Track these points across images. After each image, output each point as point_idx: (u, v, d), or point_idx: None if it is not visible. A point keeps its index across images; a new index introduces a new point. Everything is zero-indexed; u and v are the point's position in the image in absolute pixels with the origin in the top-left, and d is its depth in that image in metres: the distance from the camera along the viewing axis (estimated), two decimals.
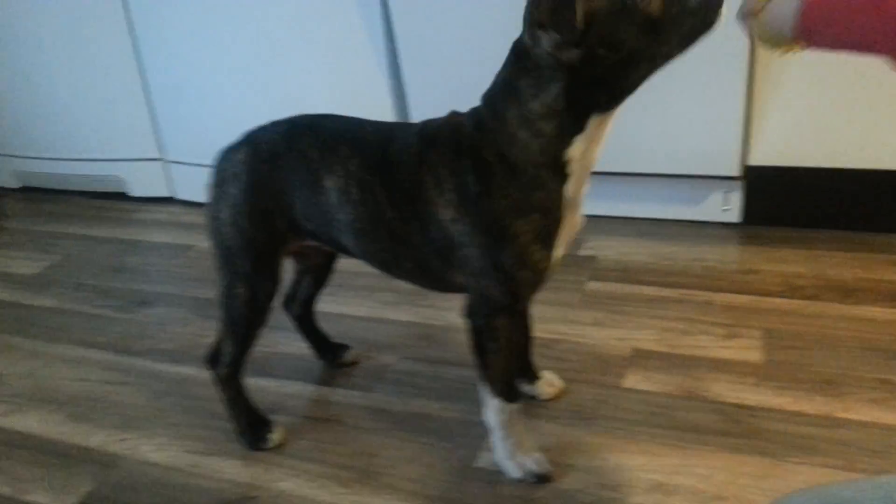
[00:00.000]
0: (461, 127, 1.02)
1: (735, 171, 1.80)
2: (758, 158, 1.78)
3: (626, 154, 1.85)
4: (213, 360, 1.24)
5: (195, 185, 2.40)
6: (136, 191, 2.55)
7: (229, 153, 1.16)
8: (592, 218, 1.98)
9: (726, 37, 1.59)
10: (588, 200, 1.07)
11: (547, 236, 1.00)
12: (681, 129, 1.78)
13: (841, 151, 1.71)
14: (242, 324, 1.18)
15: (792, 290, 1.59)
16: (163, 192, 2.51)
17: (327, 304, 1.67)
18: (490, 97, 0.99)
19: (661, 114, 1.77)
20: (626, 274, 1.73)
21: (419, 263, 1.08)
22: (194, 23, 2.14)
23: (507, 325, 1.06)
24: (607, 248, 1.86)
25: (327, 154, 1.09)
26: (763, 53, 1.67)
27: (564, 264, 1.77)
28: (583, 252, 1.85)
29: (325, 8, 1.98)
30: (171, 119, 2.36)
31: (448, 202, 1.00)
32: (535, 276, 1.02)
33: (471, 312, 1.07)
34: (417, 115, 1.99)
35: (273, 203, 1.13)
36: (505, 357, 1.08)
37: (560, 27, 0.85)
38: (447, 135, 1.03)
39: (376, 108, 2.05)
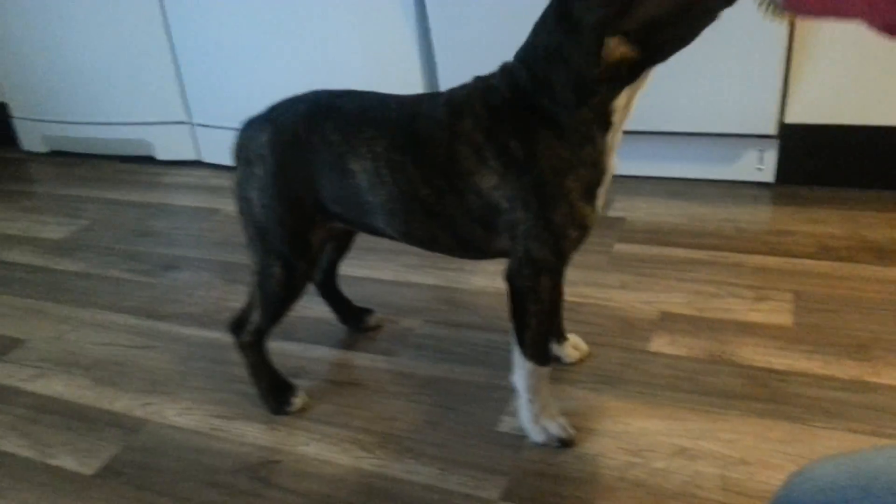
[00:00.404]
0: (493, 91, 0.99)
1: (771, 129, 1.74)
2: (795, 116, 1.72)
3: (660, 112, 1.79)
4: (237, 326, 1.24)
5: (222, 149, 2.40)
6: (163, 154, 2.56)
7: (252, 133, 1.13)
8: (622, 178, 1.95)
9: None
10: (618, 161, 1.04)
11: (592, 189, 0.99)
12: (717, 86, 1.73)
13: (880, 109, 1.65)
14: (276, 301, 1.18)
15: (824, 252, 1.55)
16: (190, 156, 2.52)
17: (351, 268, 1.67)
18: (529, 59, 0.96)
19: (698, 71, 1.72)
20: (656, 235, 1.70)
21: (459, 236, 1.06)
22: None
23: (550, 286, 1.04)
24: (637, 210, 1.82)
25: (351, 137, 1.06)
26: None
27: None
28: (612, 213, 1.81)
29: None
30: (197, 82, 2.35)
31: (490, 170, 0.98)
32: (582, 232, 1.01)
33: (514, 275, 1.04)
34: (446, 78, 1.96)
35: (299, 187, 1.11)
36: (545, 319, 1.07)
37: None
38: (479, 102, 1.00)
39: (405, 70, 2.01)
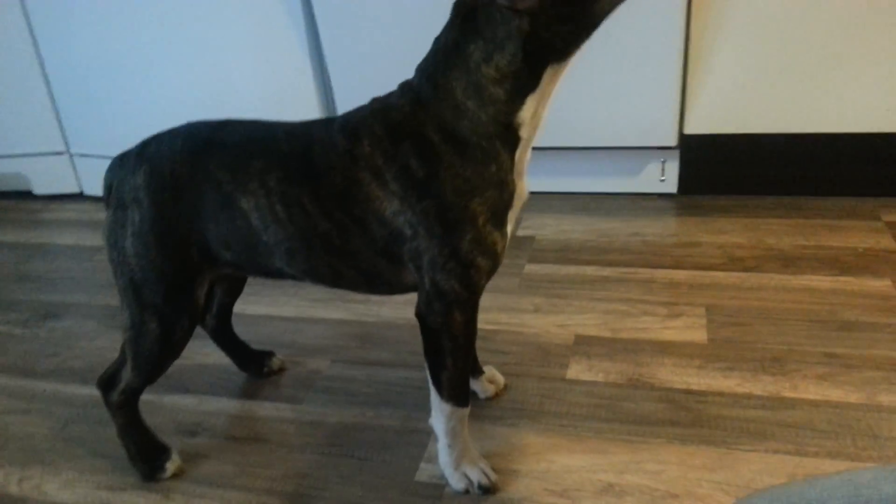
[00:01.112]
0: (391, 109, 0.92)
1: (672, 140, 1.74)
2: (694, 127, 1.72)
3: (563, 128, 1.76)
4: (107, 383, 1.12)
5: None
6: (41, 188, 2.36)
7: (124, 173, 1.02)
8: (530, 194, 1.91)
9: (662, 4, 1.54)
10: (528, 184, 0.99)
11: (501, 213, 0.92)
12: (617, 100, 1.71)
13: (774, 117, 1.67)
14: (152, 361, 1.06)
15: (732, 262, 1.55)
16: (71, 189, 2.34)
17: (249, 305, 1.57)
18: (428, 69, 0.90)
19: (597, 86, 1.70)
20: (566, 254, 1.67)
21: (365, 271, 0.98)
22: (92, 8, 1.96)
23: (464, 322, 0.97)
24: (545, 227, 1.79)
25: (239, 172, 0.97)
26: (697, 21, 1.61)
27: None
28: (521, 232, 1.77)
29: None
30: (75, 108, 2.18)
31: (392, 194, 0.91)
32: (493, 261, 0.94)
33: (425, 311, 0.97)
34: (343, 101, 1.88)
35: (182, 233, 1.00)
36: (463, 357, 1.00)
37: None
38: (377, 122, 0.92)
39: (300, 92, 1.92)
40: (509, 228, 0.96)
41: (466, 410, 1.05)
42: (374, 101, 0.96)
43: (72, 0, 1.98)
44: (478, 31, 0.84)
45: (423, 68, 0.91)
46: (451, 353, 0.99)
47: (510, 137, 0.90)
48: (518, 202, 0.96)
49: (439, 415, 1.05)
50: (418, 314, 0.98)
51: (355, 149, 0.92)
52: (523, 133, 0.91)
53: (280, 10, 1.82)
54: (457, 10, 0.87)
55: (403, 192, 0.90)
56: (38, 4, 2.04)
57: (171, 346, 1.06)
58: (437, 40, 0.90)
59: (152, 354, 1.05)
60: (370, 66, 1.79)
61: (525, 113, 0.89)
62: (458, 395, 1.03)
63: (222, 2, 1.86)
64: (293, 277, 1.04)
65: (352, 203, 0.92)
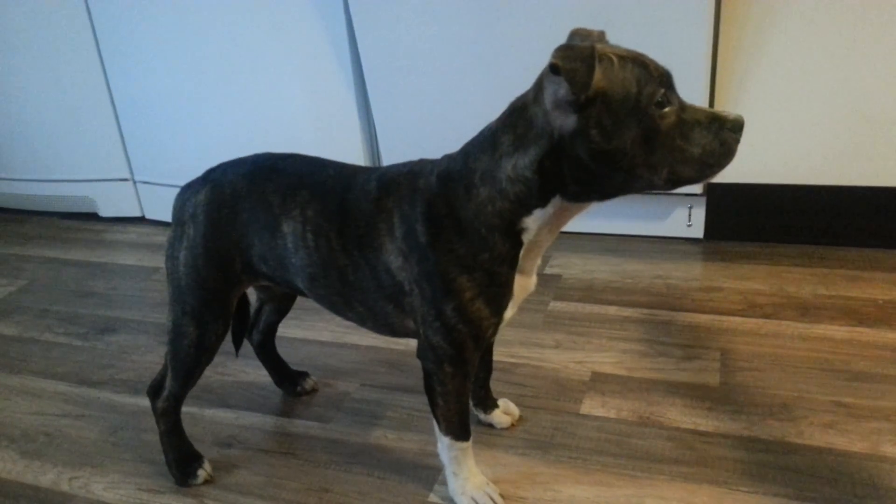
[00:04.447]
0: (421, 175, 1.01)
1: (698, 187, 1.80)
2: (720, 175, 1.77)
3: None
4: (155, 391, 1.23)
5: (165, 205, 2.39)
6: (106, 211, 2.54)
7: (190, 193, 1.15)
8: (560, 234, 1.98)
9: (688, 53, 1.61)
10: (535, 281, 1.04)
11: (493, 297, 0.99)
12: None
13: (799, 168, 1.72)
14: (187, 362, 1.18)
15: (751, 308, 1.59)
16: (133, 212, 2.51)
17: (290, 329, 1.67)
18: (468, 147, 0.97)
19: None
20: (590, 293, 1.73)
21: (370, 308, 1.08)
22: (162, 44, 2.14)
23: (454, 374, 1.05)
24: (572, 266, 1.86)
25: (288, 198, 1.08)
26: (723, 70, 1.67)
27: None
28: (548, 270, 1.85)
29: (293, 33, 1.98)
30: (140, 139, 2.35)
31: (398, 249, 1.00)
32: (477, 332, 1.00)
33: (421, 356, 1.06)
34: (385, 139, 1.99)
35: (230, 246, 1.12)
36: (453, 402, 1.08)
37: (574, 76, 0.80)
38: (406, 182, 1.02)
39: (347, 136, 2.05)
40: (508, 314, 1.02)
41: (466, 444, 1.13)
42: (418, 161, 1.05)
43: (142, 43, 2.16)
44: (514, 126, 0.90)
45: (465, 145, 0.98)
46: (441, 396, 1.07)
47: (511, 236, 0.95)
48: (521, 293, 1.03)
49: (441, 445, 1.13)
50: (418, 356, 1.07)
51: (382, 200, 1.02)
52: (525, 238, 0.96)
53: (331, 58, 1.96)
54: (509, 106, 0.93)
55: (408, 251, 0.99)
56: (110, 44, 2.22)
57: (205, 349, 1.17)
58: (486, 126, 0.96)
59: (189, 357, 1.17)
60: (410, 107, 1.90)
61: (530, 222, 0.94)
62: (455, 430, 1.11)
63: (279, 47, 2.01)
64: (311, 298, 1.15)
65: (368, 247, 1.02)
